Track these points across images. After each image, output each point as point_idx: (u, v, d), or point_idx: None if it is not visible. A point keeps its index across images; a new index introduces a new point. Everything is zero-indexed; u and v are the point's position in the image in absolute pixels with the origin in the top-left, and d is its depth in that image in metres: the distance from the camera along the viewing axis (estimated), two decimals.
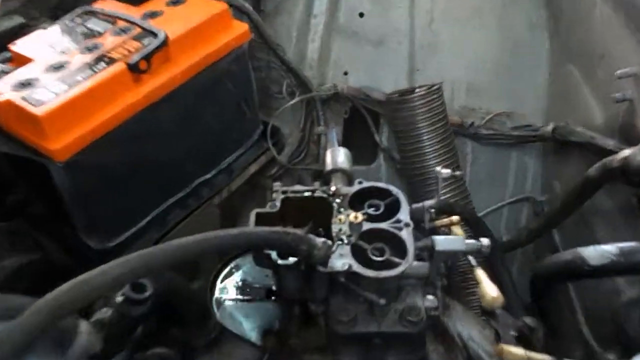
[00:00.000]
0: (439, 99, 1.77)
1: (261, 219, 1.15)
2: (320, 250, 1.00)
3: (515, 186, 2.01)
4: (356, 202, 1.18)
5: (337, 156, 1.31)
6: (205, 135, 1.74)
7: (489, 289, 1.08)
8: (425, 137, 1.74)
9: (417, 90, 1.76)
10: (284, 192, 1.19)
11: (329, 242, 1.03)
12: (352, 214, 1.11)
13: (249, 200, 1.94)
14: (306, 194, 1.19)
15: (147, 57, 1.51)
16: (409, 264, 1.04)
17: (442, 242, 1.02)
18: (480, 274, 1.12)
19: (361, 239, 1.09)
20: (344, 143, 2.01)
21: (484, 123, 1.96)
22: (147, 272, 0.85)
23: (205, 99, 1.69)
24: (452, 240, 1.02)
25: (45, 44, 1.60)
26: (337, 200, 1.17)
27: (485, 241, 1.04)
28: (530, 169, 2.00)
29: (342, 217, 1.13)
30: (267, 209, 1.16)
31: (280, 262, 1.05)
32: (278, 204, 1.16)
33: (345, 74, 2.05)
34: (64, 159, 1.38)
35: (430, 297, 1.14)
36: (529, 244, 1.87)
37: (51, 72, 1.48)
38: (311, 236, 1.00)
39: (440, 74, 1.94)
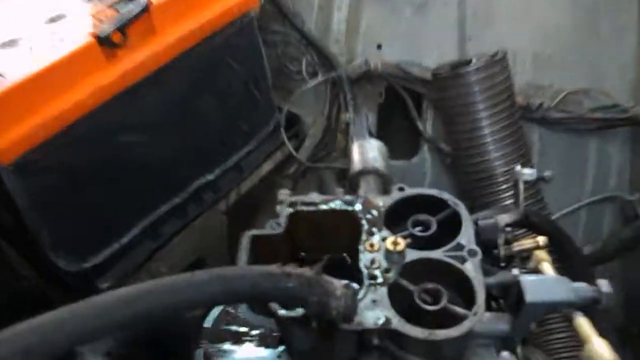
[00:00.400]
0: (502, 72, 1.37)
1: (259, 245, 0.80)
2: (340, 299, 0.64)
3: (595, 182, 1.63)
4: (395, 217, 0.82)
5: (368, 151, 0.95)
6: (204, 127, 1.42)
7: (602, 350, 0.71)
8: (485, 123, 1.35)
9: (474, 61, 1.37)
10: (291, 205, 0.84)
11: (354, 286, 0.68)
12: (390, 238, 0.75)
13: (263, 206, 1.61)
14: (323, 206, 0.83)
15: (122, 28, 1.18)
16: (479, 316, 0.67)
17: (535, 288, 0.64)
18: (585, 326, 0.74)
19: (404, 276, 0.73)
20: (378, 133, 1.65)
21: (556, 104, 1.57)
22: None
23: (203, 80, 1.36)
24: (552, 285, 0.64)
25: (2, 17, 1.29)
26: (368, 216, 0.81)
27: (604, 286, 0.65)
28: (615, 160, 1.63)
29: (375, 241, 0.77)
30: (267, 230, 0.81)
31: (281, 313, 0.70)
32: (283, 221, 0.81)
33: (379, 47, 1.69)
34: (11, 159, 1.08)
35: (506, 355, 0.78)
36: (618, 257, 1.48)
37: (2, 50, 1.16)
38: (326, 280, 0.64)
39: (499, 43, 1.55)
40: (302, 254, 0.88)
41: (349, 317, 0.66)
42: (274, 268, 0.63)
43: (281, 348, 0.92)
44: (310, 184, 1.64)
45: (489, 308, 0.73)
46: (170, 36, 1.25)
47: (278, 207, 0.85)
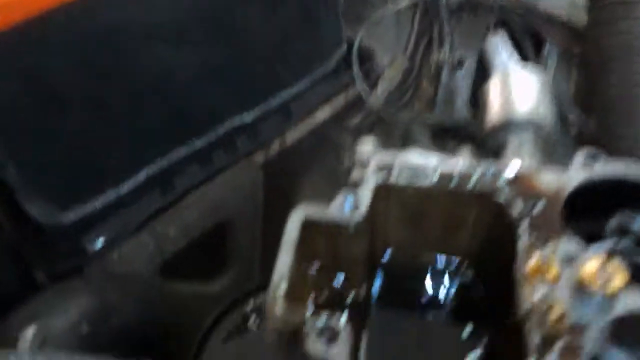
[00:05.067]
0: None
1: (315, 235, 0.42)
2: None
3: None
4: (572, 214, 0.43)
5: (518, 88, 0.54)
6: (242, 47, 1.05)
7: None
8: None
9: None
10: (382, 168, 0.45)
11: None
12: (594, 261, 0.36)
13: (316, 164, 1.27)
14: (441, 180, 0.44)
15: None
16: None
17: None
18: None
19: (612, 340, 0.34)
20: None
21: None
22: None
23: None
24: None
25: None
26: (530, 209, 0.41)
27: None
28: None
29: (555, 263, 0.38)
30: (334, 214, 0.42)
31: None
32: (365, 201, 0.42)
33: None
34: None
35: None
36: None
37: None
38: None
39: None
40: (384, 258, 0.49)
41: None
42: None
43: None
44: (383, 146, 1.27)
45: None
46: None
47: (354, 173, 0.47)
